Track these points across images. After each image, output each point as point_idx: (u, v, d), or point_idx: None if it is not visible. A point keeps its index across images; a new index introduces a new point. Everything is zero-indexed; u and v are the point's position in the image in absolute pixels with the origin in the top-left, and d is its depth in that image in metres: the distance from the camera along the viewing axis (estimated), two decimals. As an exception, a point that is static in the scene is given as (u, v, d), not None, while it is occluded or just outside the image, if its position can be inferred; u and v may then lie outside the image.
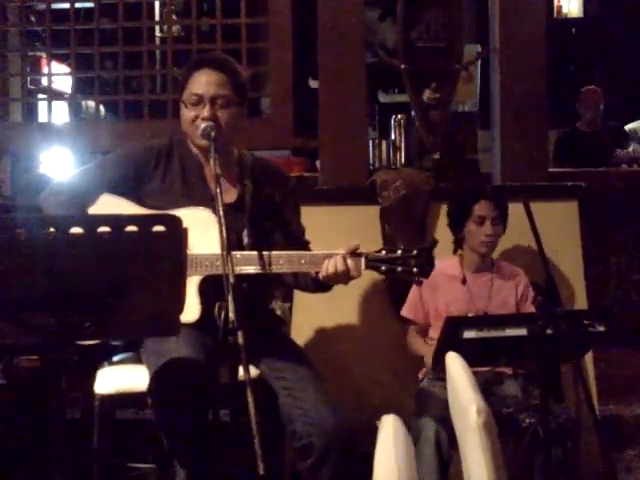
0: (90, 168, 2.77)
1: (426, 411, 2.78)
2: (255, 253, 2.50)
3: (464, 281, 3.08)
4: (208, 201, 2.58)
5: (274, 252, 2.51)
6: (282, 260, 2.50)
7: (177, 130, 2.74)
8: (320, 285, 2.57)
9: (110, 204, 2.63)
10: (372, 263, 2.48)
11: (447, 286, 3.09)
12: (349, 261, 2.46)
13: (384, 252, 2.49)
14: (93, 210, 2.63)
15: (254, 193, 2.69)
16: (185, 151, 2.75)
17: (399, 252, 2.47)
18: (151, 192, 2.68)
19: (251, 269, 2.48)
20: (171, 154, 2.74)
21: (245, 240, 2.60)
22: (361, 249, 2.49)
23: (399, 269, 2.46)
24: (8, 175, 4.15)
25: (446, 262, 3.10)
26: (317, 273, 2.50)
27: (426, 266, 2.46)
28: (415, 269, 2.45)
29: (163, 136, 2.82)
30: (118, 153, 2.80)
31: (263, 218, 2.70)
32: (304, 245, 2.72)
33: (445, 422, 2.66)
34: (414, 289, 3.13)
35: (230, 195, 2.66)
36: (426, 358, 2.98)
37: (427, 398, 2.87)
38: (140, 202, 2.66)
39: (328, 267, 2.46)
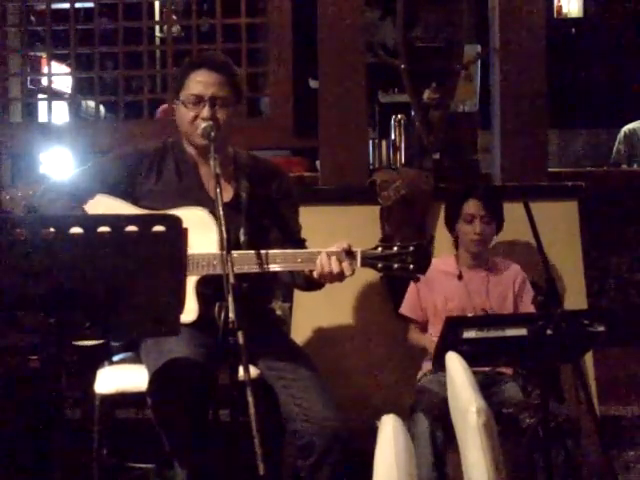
0: (84, 170, 2.78)
1: (421, 407, 2.79)
2: (252, 252, 2.50)
3: (460, 277, 3.10)
4: (204, 201, 2.58)
5: (271, 251, 2.51)
6: (279, 259, 2.49)
7: (176, 130, 2.74)
8: (313, 283, 2.57)
9: (105, 204, 2.63)
10: (368, 261, 2.46)
11: (444, 282, 3.10)
12: (343, 260, 2.45)
13: (380, 249, 2.47)
14: (89, 210, 2.63)
15: (250, 191, 2.69)
16: (180, 152, 2.74)
17: (395, 249, 2.45)
18: (146, 194, 2.68)
19: (248, 268, 2.48)
20: (165, 155, 2.74)
21: (242, 238, 2.60)
22: (360, 249, 2.48)
23: (395, 266, 2.45)
24: (9, 175, 4.15)
25: (442, 260, 3.13)
26: (311, 271, 2.50)
27: (423, 262, 2.44)
28: (412, 266, 2.44)
29: (162, 136, 2.82)
30: (111, 156, 2.80)
31: (259, 216, 2.69)
32: (300, 243, 2.72)
33: (440, 417, 2.66)
34: (411, 287, 3.14)
35: (226, 194, 2.65)
36: (429, 348, 2.97)
37: (424, 395, 2.88)
38: (136, 204, 2.66)
39: (322, 266, 2.46)
